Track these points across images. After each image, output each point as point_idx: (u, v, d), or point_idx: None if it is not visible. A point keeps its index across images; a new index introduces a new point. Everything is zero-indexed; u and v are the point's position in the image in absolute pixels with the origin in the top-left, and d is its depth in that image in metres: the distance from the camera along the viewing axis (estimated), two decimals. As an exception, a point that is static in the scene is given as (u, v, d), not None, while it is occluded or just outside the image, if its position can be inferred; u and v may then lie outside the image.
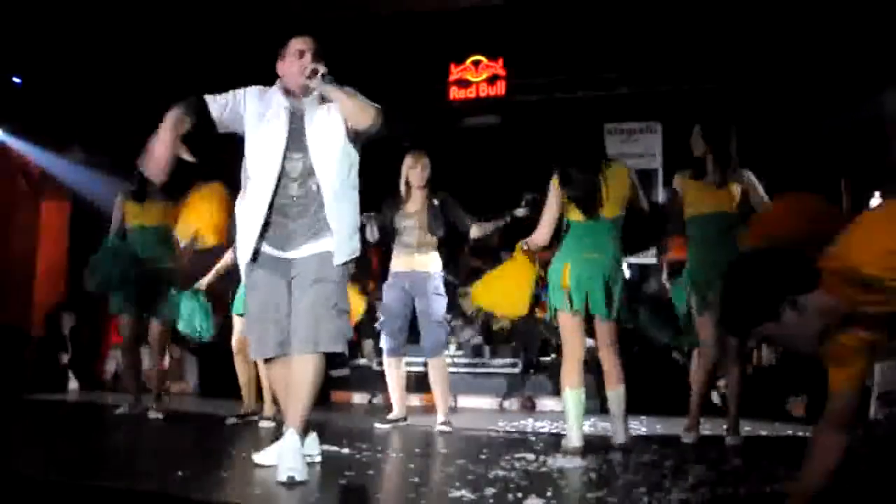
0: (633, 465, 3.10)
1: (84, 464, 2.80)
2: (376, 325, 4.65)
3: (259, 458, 2.87)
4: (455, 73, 8.37)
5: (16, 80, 7.87)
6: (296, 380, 2.67)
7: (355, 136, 2.82)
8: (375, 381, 6.72)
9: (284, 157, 2.72)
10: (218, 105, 2.76)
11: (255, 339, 2.84)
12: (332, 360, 7.23)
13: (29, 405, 5.75)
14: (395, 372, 4.51)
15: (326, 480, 2.68)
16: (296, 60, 2.76)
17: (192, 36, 7.50)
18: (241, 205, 2.87)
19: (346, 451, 3.31)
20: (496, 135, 8.53)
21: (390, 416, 4.48)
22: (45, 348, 7.70)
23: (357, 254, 2.81)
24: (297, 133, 2.75)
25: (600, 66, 8.07)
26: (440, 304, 4.44)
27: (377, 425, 4.37)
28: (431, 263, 4.46)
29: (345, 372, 7.03)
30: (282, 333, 2.76)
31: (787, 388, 6.28)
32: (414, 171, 4.45)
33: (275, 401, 4.24)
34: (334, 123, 2.78)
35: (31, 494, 2.42)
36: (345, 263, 2.76)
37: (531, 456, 3.22)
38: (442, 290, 4.47)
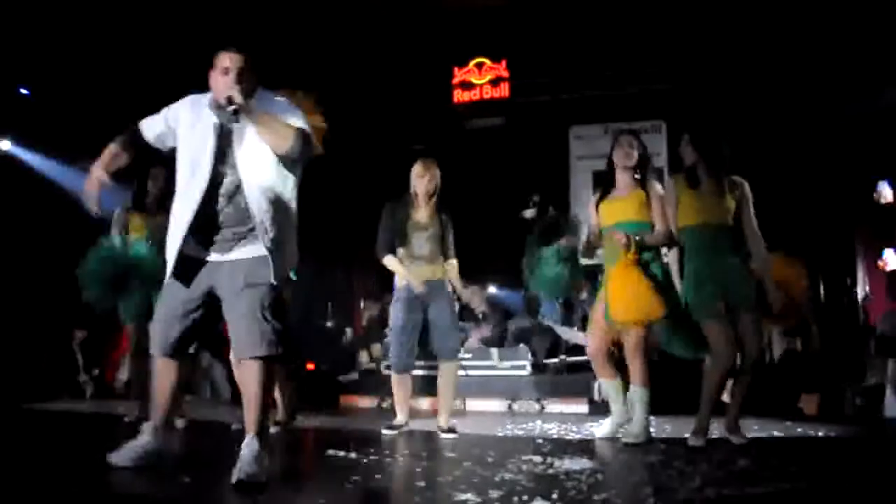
0: (641, 466, 3.09)
1: (91, 471, 2.81)
2: (386, 339, 4.58)
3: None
4: (458, 75, 8.39)
5: (24, 91, 7.94)
6: (245, 388, 2.74)
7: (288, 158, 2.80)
8: (384, 384, 6.73)
9: (212, 173, 2.72)
10: (152, 128, 2.89)
11: (158, 335, 2.83)
12: (341, 364, 7.28)
13: (40, 414, 5.79)
14: (401, 387, 4.46)
15: (333, 485, 2.68)
16: (220, 77, 2.75)
17: (197, 43, 7.55)
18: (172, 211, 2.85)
19: (353, 455, 3.31)
20: (501, 137, 8.54)
21: (394, 423, 4.43)
22: (57, 358, 7.75)
23: (294, 265, 2.85)
24: (225, 149, 2.75)
25: (604, 66, 8.07)
26: (452, 308, 4.42)
27: (385, 431, 4.34)
28: (440, 271, 4.40)
29: (353, 376, 7.05)
30: (180, 332, 2.80)
31: (800, 386, 6.25)
32: (421, 181, 4.38)
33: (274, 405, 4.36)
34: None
35: (39, 502, 2.44)
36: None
37: (538, 458, 3.21)
38: (451, 295, 4.44)
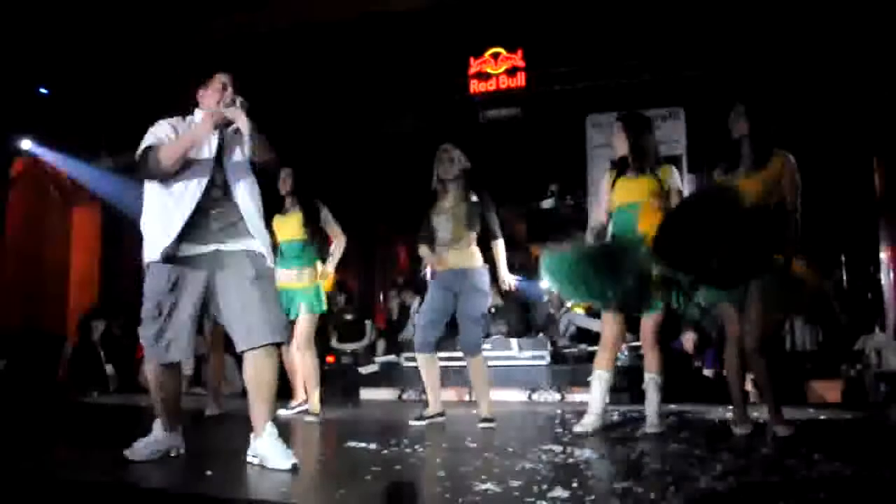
0: (662, 455, 3.08)
1: (115, 463, 2.84)
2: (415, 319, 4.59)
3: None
4: (474, 66, 8.36)
5: (42, 90, 8.03)
6: (261, 376, 2.85)
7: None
8: (404, 376, 6.76)
9: (211, 178, 2.92)
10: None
11: (170, 340, 2.87)
12: (360, 356, 7.28)
13: (65, 407, 5.87)
14: (425, 367, 4.41)
15: (354, 476, 2.69)
16: (219, 92, 3.03)
17: (216, 40, 7.59)
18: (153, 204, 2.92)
19: (373, 446, 3.33)
20: (518, 127, 8.50)
21: (425, 413, 4.40)
22: (80, 354, 7.87)
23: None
24: (219, 156, 2.98)
25: (621, 54, 8.01)
26: (479, 301, 4.29)
27: (411, 423, 4.30)
28: (469, 259, 4.31)
29: (374, 368, 7.08)
30: (188, 336, 2.90)
31: (822, 373, 6.19)
32: (441, 165, 4.38)
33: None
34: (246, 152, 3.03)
35: (61, 494, 2.47)
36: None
37: (558, 448, 3.21)
38: (483, 285, 4.31)
